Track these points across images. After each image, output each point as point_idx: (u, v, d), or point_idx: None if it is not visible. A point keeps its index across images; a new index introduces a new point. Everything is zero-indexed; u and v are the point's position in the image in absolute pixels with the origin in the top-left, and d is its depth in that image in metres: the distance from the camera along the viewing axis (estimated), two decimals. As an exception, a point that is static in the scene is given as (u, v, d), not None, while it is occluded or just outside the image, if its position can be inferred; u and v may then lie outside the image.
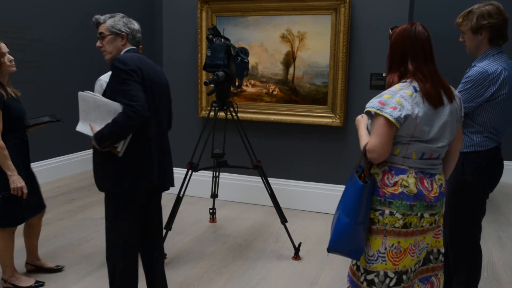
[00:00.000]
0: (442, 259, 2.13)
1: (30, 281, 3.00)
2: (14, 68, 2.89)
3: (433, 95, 1.87)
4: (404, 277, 1.95)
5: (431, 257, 2.10)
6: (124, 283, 2.42)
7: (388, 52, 1.98)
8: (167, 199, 4.82)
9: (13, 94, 2.87)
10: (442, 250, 2.12)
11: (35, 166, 5.14)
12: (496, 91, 2.30)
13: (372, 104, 1.88)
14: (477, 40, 2.39)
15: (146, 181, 2.34)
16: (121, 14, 2.47)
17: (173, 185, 2.56)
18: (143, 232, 2.53)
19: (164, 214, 4.14)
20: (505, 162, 2.66)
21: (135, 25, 2.47)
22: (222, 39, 3.48)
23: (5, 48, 2.84)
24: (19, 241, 3.14)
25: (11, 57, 2.87)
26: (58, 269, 3.20)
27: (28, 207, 2.94)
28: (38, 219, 3.12)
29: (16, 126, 2.86)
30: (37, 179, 3.08)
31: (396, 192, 1.89)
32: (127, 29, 2.42)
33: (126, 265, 2.41)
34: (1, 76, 2.83)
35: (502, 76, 2.29)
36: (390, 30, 2.03)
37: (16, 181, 2.77)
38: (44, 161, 5.33)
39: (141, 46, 2.55)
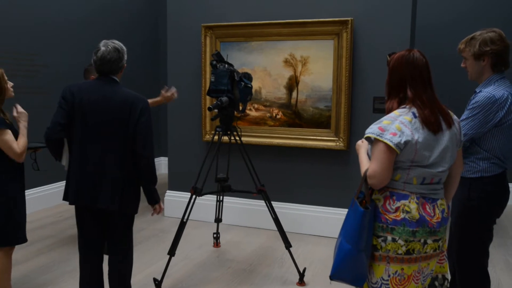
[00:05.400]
0: (448, 286, 2.10)
1: None
2: (13, 94, 2.89)
3: (432, 122, 1.88)
4: (409, 304, 1.92)
5: (436, 283, 2.07)
6: None
7: (387, 78, 2.00)
8: (171, 223, 4.83)
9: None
10: (448, 276, 2.10)
11: (38, 191, 5.20)
12: (504, 116, 2.31)
13: (372, 130, 1.89)
14: (479, 66, 2.41)
15: (67, 196, 2.57)
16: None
17: (111, 208, 2.49)
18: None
19: (168, 239, 4.18)
20: (511, 186, 2.65)
21: (95, 55, 2.50)
22: (226, 65, 3.52)
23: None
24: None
25: (11, 83, 2.87)
26: None
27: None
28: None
29: None
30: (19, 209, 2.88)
31: (398, 218, 1.88)
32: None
33: (80, 270, 2.67)
34: (1, 102, 2.82)
35: (509, 101, 2.31)
36: (388, 56, 2.05)
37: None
38: (48, 185, 5.35)
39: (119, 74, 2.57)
